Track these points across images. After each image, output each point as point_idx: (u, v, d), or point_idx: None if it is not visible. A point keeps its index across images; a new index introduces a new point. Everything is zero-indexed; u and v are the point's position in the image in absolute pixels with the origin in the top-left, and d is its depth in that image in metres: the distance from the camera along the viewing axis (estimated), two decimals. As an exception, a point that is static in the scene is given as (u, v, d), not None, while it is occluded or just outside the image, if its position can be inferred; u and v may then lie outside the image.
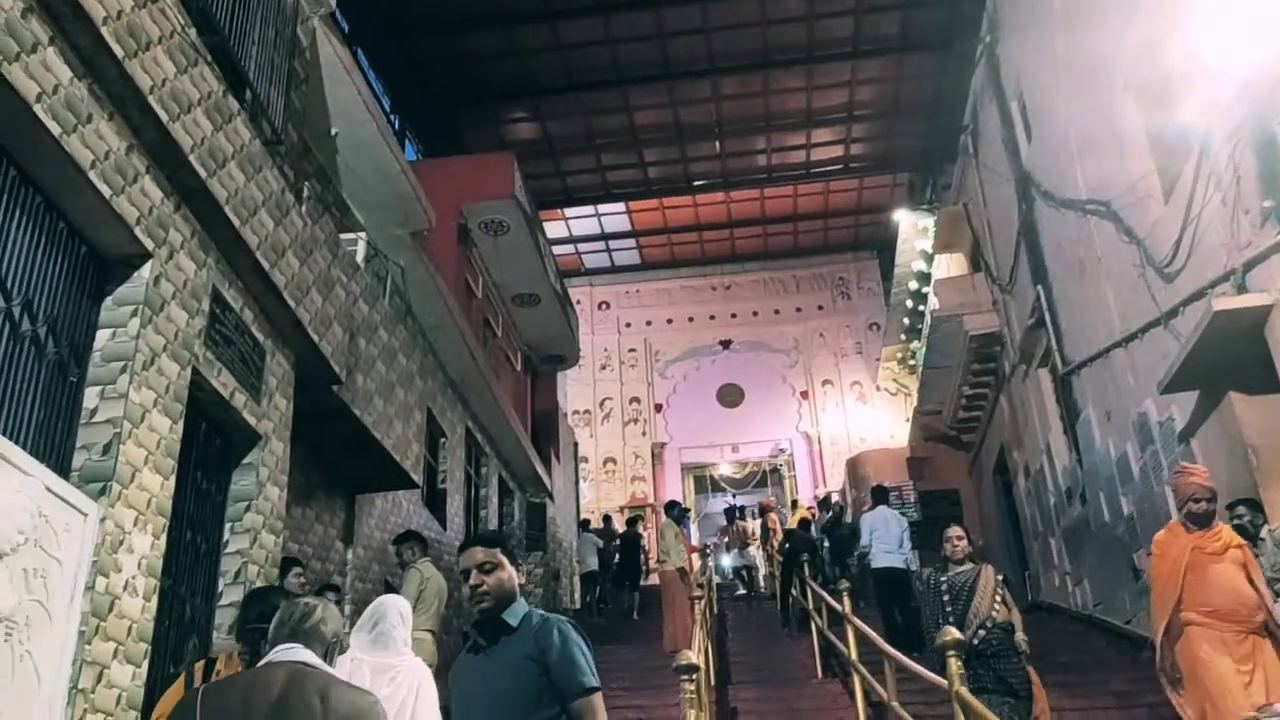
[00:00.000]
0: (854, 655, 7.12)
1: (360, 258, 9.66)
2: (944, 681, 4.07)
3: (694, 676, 4.01)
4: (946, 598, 6.12)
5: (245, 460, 6.81)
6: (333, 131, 9.81)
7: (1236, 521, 6.73)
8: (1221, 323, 6.81)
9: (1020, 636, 6.06)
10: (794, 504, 20.17)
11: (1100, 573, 11.07)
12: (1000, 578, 6.29)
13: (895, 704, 5.54)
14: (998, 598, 6.07)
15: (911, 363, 22.70)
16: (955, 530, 6.48)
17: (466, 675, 3.01)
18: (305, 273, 7.44)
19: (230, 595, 6.44)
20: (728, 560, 18.91)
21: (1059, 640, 11.26)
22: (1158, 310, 8.64)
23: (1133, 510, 9.87)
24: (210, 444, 6.53)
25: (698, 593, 8.72)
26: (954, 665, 3.97)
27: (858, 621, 7.04)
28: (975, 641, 5.85)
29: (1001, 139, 13.43)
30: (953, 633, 4.08)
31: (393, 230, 11.40)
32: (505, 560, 3.06)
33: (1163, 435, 8.88)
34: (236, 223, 6.27)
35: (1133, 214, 9.07)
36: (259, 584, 6.61)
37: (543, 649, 2.87)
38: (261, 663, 2.68)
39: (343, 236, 9.40)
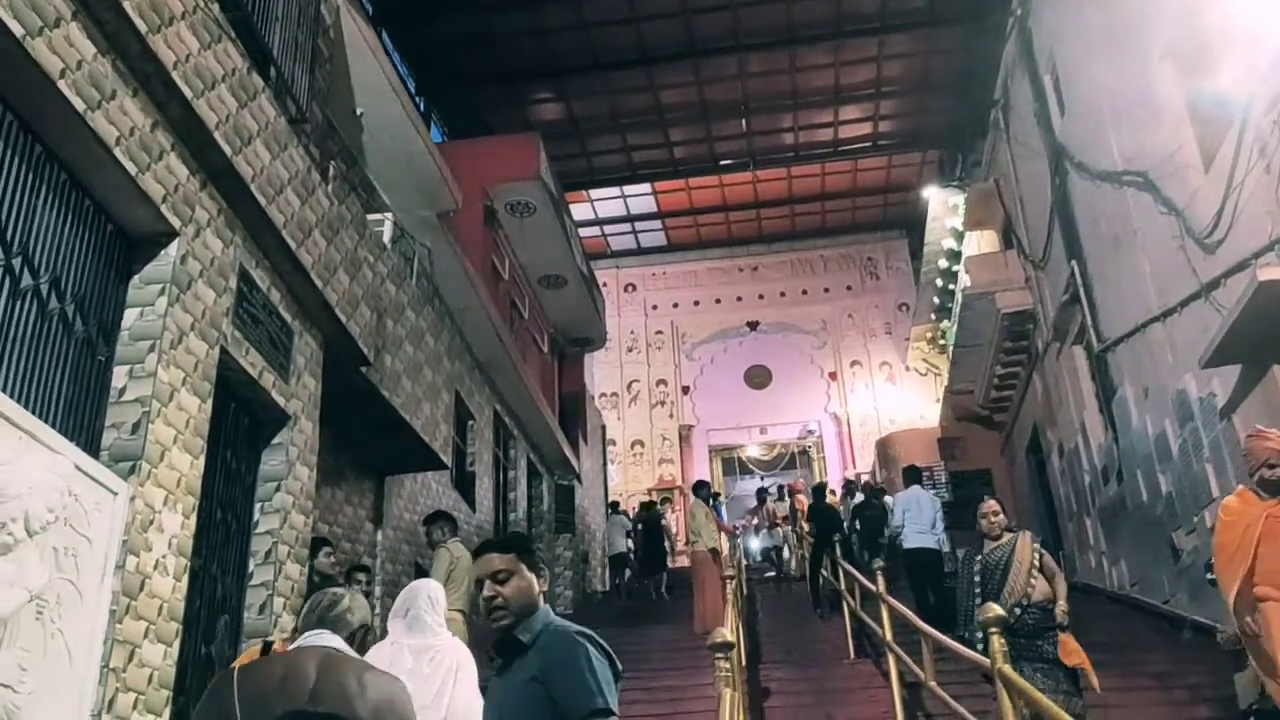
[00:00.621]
0: (889, 635, 7.03)
1: (387, 238, 9.62)
2: (986, 660, 3.98)
3: (729, 654, 3.94)
4: (978, 578, 5.84)
5: (274, 440, 6.80)
6: (358, 111, 9.76)
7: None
8: (1266, 293, 6.64)
9: (1061, 607, 5.72)
10: (820, 487, 20.12)
11: (1137, 552, 10.91)
12: (1038, 543, 5.97)
13: (933, 684, 5.45)
14: (1034, 572, 5.74)
15: (941, 342, 22.49)
16: (990, 504, 6.15)
17: (487, 699, 2.80)
18: (332, 252, 7.40)
19: (261, 575, 6.44)
20: (756, 542, 18.82)
21: (1095, 621, 11.10)
22: (1198, 283, 8.46)
23: (1171, 489, 9.70)
24: (239, 424, 6.51)
25: (729, 572, 8.64)
26: (996, 643, 3.87)
27: (893, 601, 6.94)
28: (1011, 621, 5.49)
29: (1034, 112, 13.22)
30: (995, 609, 3.98)
31: (419, 211, 11.35)
32: (524, 567, 2.69)
33: (1203, 412, 8.70)
34: (263, 201, 6.24)
35: (1171, 184, 8.88)
36: (288, 564, 6.61)
37: (545, 667, 2.51)
38: (292, 647, 2.76)
39: (369, 217, 9.36)
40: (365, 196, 10.29)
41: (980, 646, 4.27)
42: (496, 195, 15.33)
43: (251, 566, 6.46)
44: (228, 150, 5.60)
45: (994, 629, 3.90)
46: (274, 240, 6.52)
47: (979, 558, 5.96)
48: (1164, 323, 9.45)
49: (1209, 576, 7.05)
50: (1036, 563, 5.76)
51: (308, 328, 7.22)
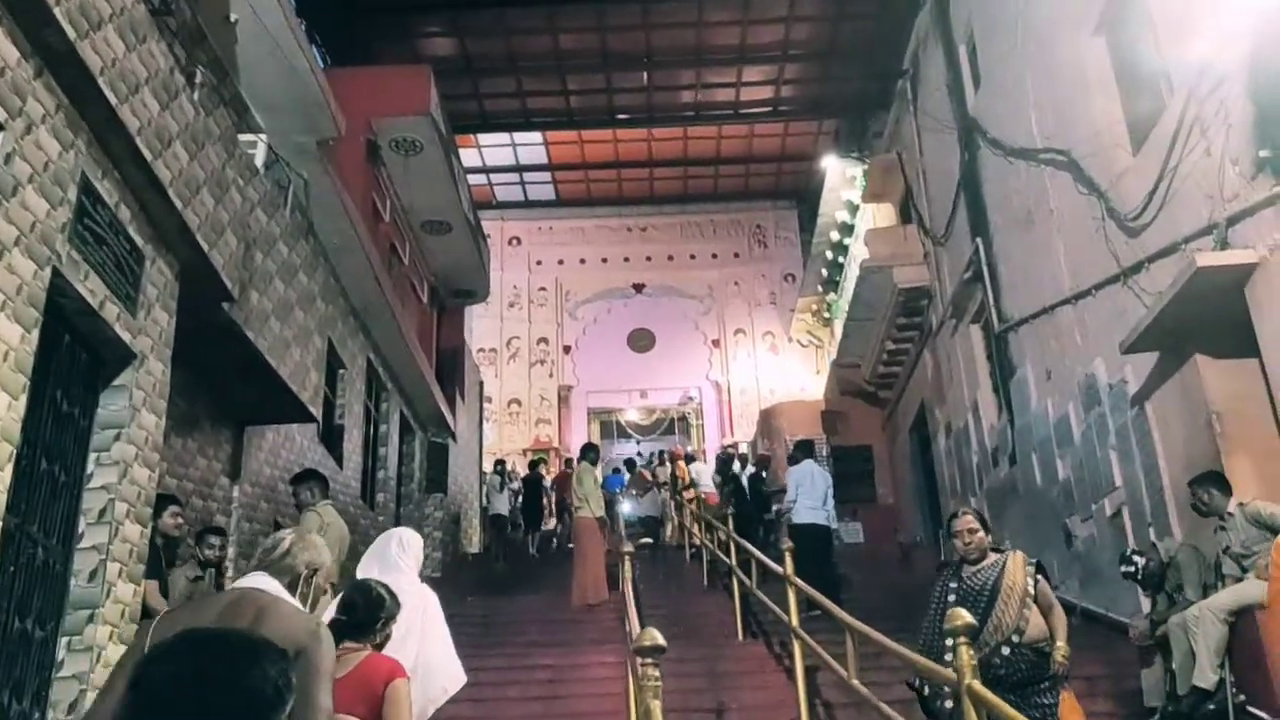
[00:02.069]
0: (795, 620, 6.59)
1: (260, 162, 8.63)
2: (950, 674, 3.49)
3: (659, 659, 3.34)
4: (952, 600, 4.57)
5: (117, 381, 5.89)
6: (232, 18, 8.70)
7: (1193, 501, 6.38)
8: (1202, 279, 6.37)
9: (1061, 651, 4.53)
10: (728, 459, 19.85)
11: (1026, 536, 10.78)
12: (1033, 565, 4.69)
13: (857, 682, 4.98)
14: (1028, 602, 4.54)
15: (826, 315, 22.42)
16: (966, 519, 4.81)
17: None
18: (195, 169, 6.47)
19: (93, 537, 5.56)
20: (628, 507, 18.32)
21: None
22: (1116, 266, 8.23)
23: (1069, 474, 9.56)
24: (74, 360, 5.60)
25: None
26: (965, 654, 3.38)
27: (804, 585, 6.48)
28: (997, 662, 4.46)
29: (946, 84, 12.93)
30: (964, 615, 3.49)
31: (296, 138, 10.30)
32: None
33: (1113, 398, 8.52)
34: (113, 99, 5.30)
35: (1095, 164, 8.62)
36: (126, 524, 5.73)
37: None
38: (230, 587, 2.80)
39: (241, 138, 8.35)
40: (236, 116, 9.23)
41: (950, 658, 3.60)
42: (381, 130, 14.29)
43: (82, 527, 5.58)
44: (72, 32, 4.68)
45: (962, 639, 3.41)
46: (126, 148, 5.59)
47: (953, 585, 4.73)
48: (1075, 305, 9.24)
49: (1124, 569, 6.84)
50: (1031, 590, 4.57)
51: (162, 253, 6.29)
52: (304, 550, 2.77)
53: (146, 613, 6.07)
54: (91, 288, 5.31)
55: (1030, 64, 10.13)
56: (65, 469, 5.47)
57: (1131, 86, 8.24)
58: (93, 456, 5.69)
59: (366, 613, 3.49)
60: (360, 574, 4.30)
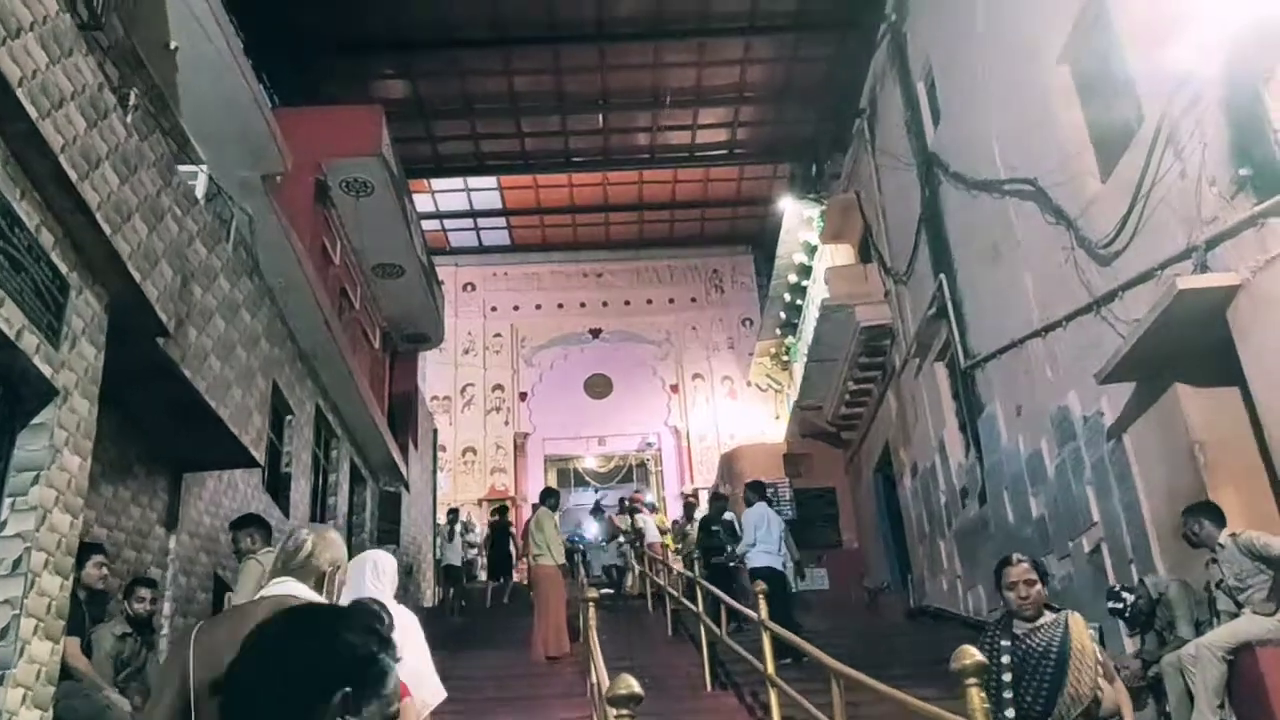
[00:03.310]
0: (770, 668, 6.20)
1: (200, 194, 8.21)
2: None
3: (634, 711, 2.96)
4: (1009, 676, 3.89)
5: (36, 420, 5.42)
6: (171, 45, 8.32)
7: (1184, 532, 6.13)
8: (1183, 304, 6.17)
9: None
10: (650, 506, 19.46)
11: (998, 576, 10.51)
12: (1096, 630, 4.20)
13: (846, 732, 4.60)
14: (1099, 669, 3.91)
15: (785, 358, 22.21)
16: (1022, 568, 4.08)
17: None
18: (127, 193, 6.05)
19: (6, 590, 5.07)
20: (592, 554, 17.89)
21: (949, 650, 10.67)
22: (1088, 295, 8.04)
23: (1044, 511, 9.31)
24: (-13, 396, 5.14)
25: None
26: (976, 697, 3.04)
27: (781, 629, 6.10)
28: None
29: (904, 121, 12.86)
30: (973, 653, 3.14)
31: (240, 172, 9.87)
32: None
33: (1088, 431, 8.29)
34: (33, 113, 4.91)
35: (1063, 193, 8.47)
36: (44, 576, 5.23)
37: None
38: (256, 597, 2.78)
39: (180, 169, 7.93)
40: (176, 147, 8.82)
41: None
42: (331, 171, 13.92)
43: (-8, 579, 5.09)
44: (-18, 36, 4.30)
45: (972, 680, 3.06)
46: (48, 167, 5.19)
47: (1005, 644, 4.01)
48: (1044, 338, 9.04)
49: (1111, 606, 6.55)
50: (1100, 657, 3.97)
51: (89, 283, 5.85)
52: (325, 549, 2.79)
53: (67, 673, 5.55)
54: (6, 315, 4.88)
55: (992, 96, 10.03)
56: (-26, 515, 5.00)
57: (1099, 112, 8.12)
58: (7, 501, 5.23)
59: None
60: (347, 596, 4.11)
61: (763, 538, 10.20)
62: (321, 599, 2.67)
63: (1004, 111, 9.76)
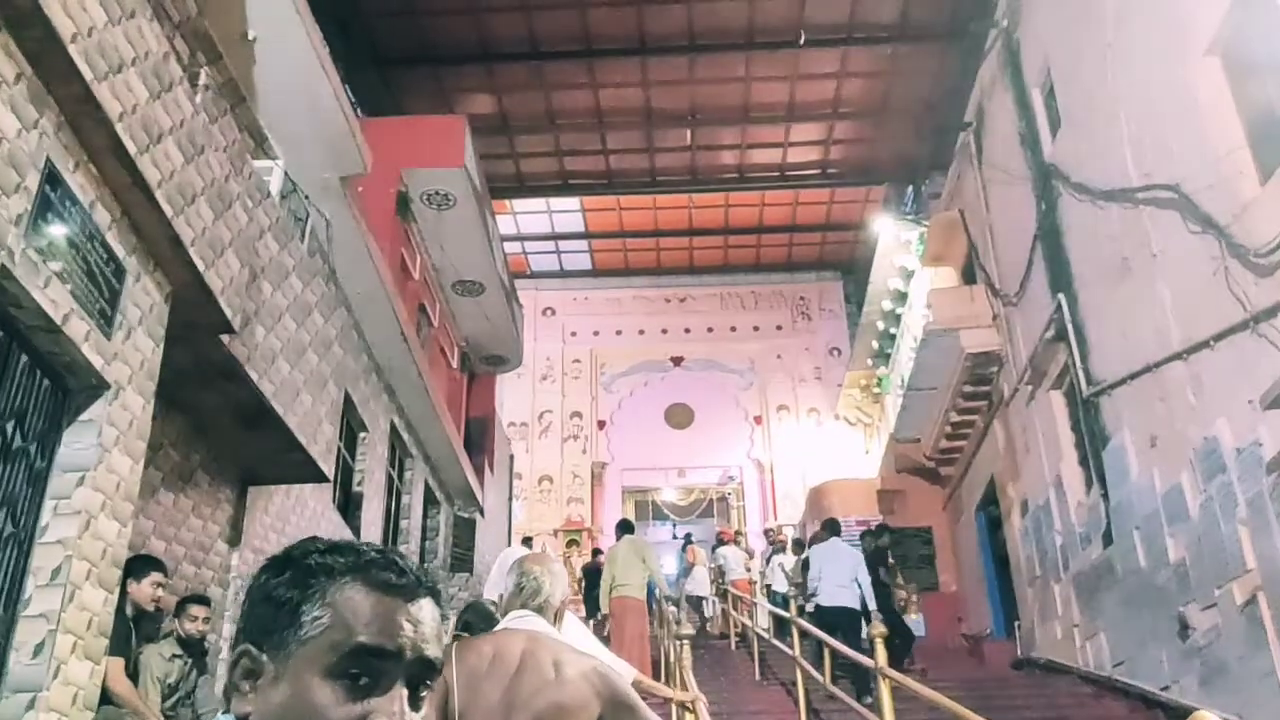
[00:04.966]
0: (889, 722, 5.41)
1: (275, 190, 7.78)
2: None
3: None
4: None
5: (84, 415, 4.94)
6: (250, 35, 7.93)
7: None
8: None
9: None
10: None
11: (1125, 626, 9.51)
12: None
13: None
14: None
15: (876, 391, 21.28)
16: None
17: None
18: (192, 175, 5.58)
19: (42, 602, 4.56)
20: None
21: (1066, 708, 9.69)
22: (1243, 311, 7.14)
23: (1185, 555, 8.31)
24: (32, 385, 4.67)
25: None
26: None
27: (903, 678, 5.31)
28: None
29: (1017, 132, 12.02)
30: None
31: (319, 174, 9.47)
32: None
33: (1242, 464, 7.33)
34: (89, 75, 4.45)
35: (1212, 198, 7.58)
36: (86, 588, 4.71)
37: None
38: (499, 627, 2.92)
39: (255, 164, 7.51)
40: (253, 142, 8.42)
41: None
42: (413, 182, 13.55)
43: (29, 589, 4.59)
44: (35, -17, 3.84)
45: None
46: (105, 138, 4.73)
47: None
48: (1186, 360, 8.12)
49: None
50: None
51: (149, 270, 5.38)
52: (556, 585, 2.93)
53: (107, 698, 5.01)
54: (53, 297, 4.41)
55: (1123, 98, 9.18)
56: (13, 517, 4.53)
57: (1257, 107, 7.25)
58: (49, 504, 4.74)
59: (486, 627, 3.58)
60: (489, 592, 4.23)
61: (830, 574, 9.90)
62: (557, 633, 2.84)
63: (1138, 114, 8.90)
